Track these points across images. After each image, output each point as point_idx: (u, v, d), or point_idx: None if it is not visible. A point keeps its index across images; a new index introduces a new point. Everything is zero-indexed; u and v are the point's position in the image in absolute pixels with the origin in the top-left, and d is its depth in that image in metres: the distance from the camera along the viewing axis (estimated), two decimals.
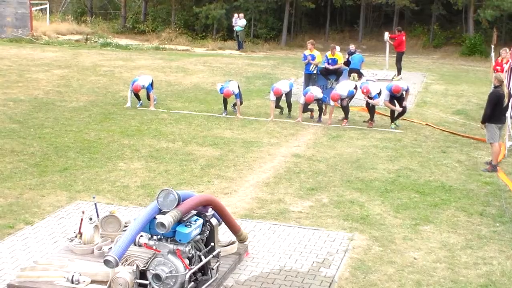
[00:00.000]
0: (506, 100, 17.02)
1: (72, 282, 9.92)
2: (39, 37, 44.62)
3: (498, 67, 23.39)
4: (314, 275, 10.71)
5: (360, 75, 30.25)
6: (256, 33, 48.70)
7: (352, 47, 33.42)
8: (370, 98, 22.03)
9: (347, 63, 28.70)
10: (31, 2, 46.83)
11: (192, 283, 9.53)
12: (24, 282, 10.11)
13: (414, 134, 20.49)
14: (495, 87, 17.03)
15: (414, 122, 22.05)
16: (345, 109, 22.51)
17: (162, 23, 51.82)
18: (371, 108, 22.40)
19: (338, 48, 27.75)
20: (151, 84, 23.95)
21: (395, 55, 32.78)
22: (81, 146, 18.12)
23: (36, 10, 48.07)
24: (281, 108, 23.80)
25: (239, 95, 22.30)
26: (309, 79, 25.45)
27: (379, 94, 22.06)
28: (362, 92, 22.37)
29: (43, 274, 10.31)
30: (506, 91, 17.52)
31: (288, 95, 23.66)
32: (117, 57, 36.77)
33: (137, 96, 24.18)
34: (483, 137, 18.44)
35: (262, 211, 13.47)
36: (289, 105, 23.68)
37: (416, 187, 15.33)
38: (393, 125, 21.65)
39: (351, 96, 22.71)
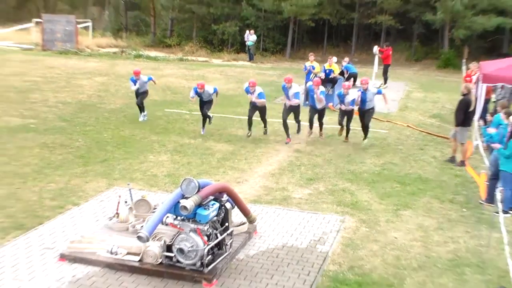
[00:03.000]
0: (473, 106, 17.15)
1: (112, 253, 10.11)
2: (83, 50, 44.67)
3: (468, 78, 23.48)
4: (311, 250, 10.88)
5: (355, 80, 30.37)
6: (265, 47, 48.60)
7: (346, 59, 33.56)
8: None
9: (342, 73, 28.67)
10: (76, 20, 46.95)
11: (210, 256, 9.67)
12: (73, 253, 10.32)
13: (397, 134, 20.57)
14: (464, 95, 17.12)
15: (397, 124, 22.10)
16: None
17: (185, 38, 51.69)
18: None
19: (335, 59, 27.76)
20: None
21: (382, 67, 32.84)
22: (118, 141, 18.30)
23: (80, 27, 48.10)
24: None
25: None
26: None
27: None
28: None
29: (88, 246, 10.49)
30: (473, 98, 17.64)
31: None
32: (147, 67, 36.77)
33: (141, 108, 22.09)
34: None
35: (269, 197, 13.61)
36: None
37: (398, 179, 15.44)
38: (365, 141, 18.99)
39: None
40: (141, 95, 21.96)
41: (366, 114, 18.95)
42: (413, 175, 15.82)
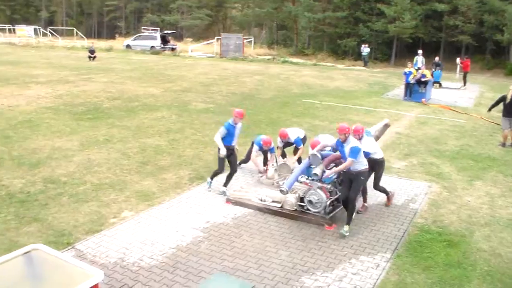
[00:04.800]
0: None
1: (261, 200, 10.13)
2: (247, 57, 45.29)
3: None
4: (405, 207, 10.52)
5: (440, 85, 29.32)
6: (375, 56, 47.93)
7: (437, 58, 33.06)
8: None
9: (432, 74, 27.80)
10: (243, 37, 47.76)
11: (331, 207, 9.54)
12: (235, 198, 10.44)
13: (472, 123, 19.50)
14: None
15: (472, 116, 21.00)
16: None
17: (318, 49, 51.77)
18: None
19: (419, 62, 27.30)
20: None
21: (462, 74, 31.63)
22: (269, 121, 18.29)
23: (246, 41, 48.93)
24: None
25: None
26: (408, 87, 24.71)
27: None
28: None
29: (245, 195, 10.55)
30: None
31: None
32: (291, 69, 36.82)
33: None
34: None
35: None
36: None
37: (472, 157, 14.62)
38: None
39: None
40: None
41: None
42: (484, 155, 14.94)
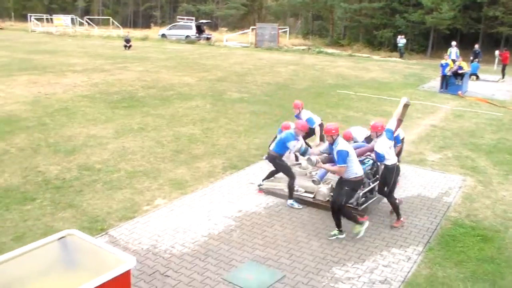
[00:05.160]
0: None
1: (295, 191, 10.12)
2: (282, 47, 45.16)
3: None
4: (439, 200, 10.37)
5: (477, 77, 28.77)
6: (411, 47, 47.20)
7: (476, 46, 32.37)
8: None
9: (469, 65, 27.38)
10: (278, 27, 47.62)
11: (363, 198, 9.46)
12: (267, 188, 10.46)
13: (510, 117, 19.08)
14: None
15: (510, 109, 20.57)
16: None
17: (354, 40, 51.27)
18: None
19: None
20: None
21: (501, 66, 30.90)
22: None
23: (281, 31, 48.76)
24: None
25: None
26: (444, 79, 24.32)
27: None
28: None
29: (278, 185, 10.57)
30: None
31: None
32: (326, 60, 36.58)
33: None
34: None
35: (409, 159, 13.04)
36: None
37: (509, 151, 14.31)
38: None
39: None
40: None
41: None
42: None
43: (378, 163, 9.85)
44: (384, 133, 8.88)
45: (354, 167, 8.30)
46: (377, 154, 8.84)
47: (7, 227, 8.53)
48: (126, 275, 5.63)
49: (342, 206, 8.41)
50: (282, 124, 11.06)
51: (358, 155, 9.56)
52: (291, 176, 9.84)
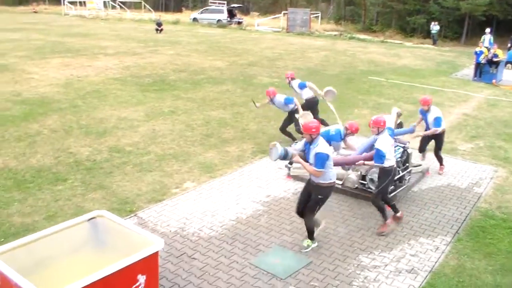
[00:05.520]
0: None
1: None
2: (313, 32, 44.84)
3: None
4: (469, 190, 10.24)
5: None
6: (445, 34, 46.33)
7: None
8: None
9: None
10: (310, 12, 47.27)
11: (392, 186, 9.39)
12: (296, 173, 10.44)
13: None
14: None
15: None
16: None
17: (386, 26, 50.57)
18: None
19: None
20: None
21: None
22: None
23: (313, 17, 48.43)
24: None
25: None
26: (478, 67, 23.89)
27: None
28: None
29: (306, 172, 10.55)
30: None
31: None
32: (357, 46, 36.22)
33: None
34: None
35: None
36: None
37: None
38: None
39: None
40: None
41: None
42: None
43: (409, 153, 9.81)
44: (386, 130, 8.24)
45: (330, 172, 7.37)
46: (377, 153, 8.03)
47: (39, 207, 8.71)
48: (154, 257, 5.72)
49: (311, 218, 7.62)
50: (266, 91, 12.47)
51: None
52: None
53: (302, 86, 13.24)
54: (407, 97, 18.89)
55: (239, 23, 50.35)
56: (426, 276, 7.10)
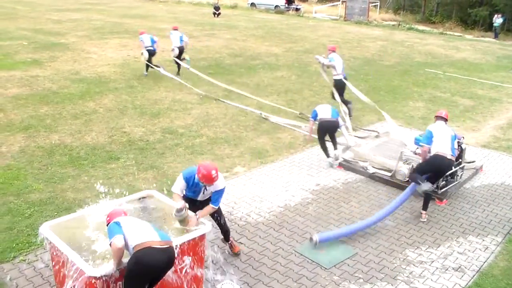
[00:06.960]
0: None
1: (363, 169, 10.01)
2: (371, 22, 44.19)
3: None
4: None
5: None
6: (509, 28, 44.80)
7: None
8: None
9: None
10: (369, 0, 46.60)
11: (444, 182, 9.24)
12: (348, 164, 10.39)
13: None
14: None
15: None
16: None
17: (446, 17, 49.29)
18: None
19: None
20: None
21: None
22: (388, 89, 17.84)
23: (371, 5, 47.73)
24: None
25: None
26: None
27: None
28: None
29: (359, 161, 10.48)
30: None
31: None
32: (415, 37, 35.46)
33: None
34: None
35: (496, 145, 12.56)
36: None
37: None
38: None
39: None
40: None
41: None
42: None
43: (462, 148, 9.62)
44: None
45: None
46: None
47: (92, 183, 8.95)
48: (201, 239, 5.81)
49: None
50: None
51: None
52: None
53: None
54: (464, 91, 18.42)
55: (297, 9, 50.00)
56: (474, 276, 6.96)
